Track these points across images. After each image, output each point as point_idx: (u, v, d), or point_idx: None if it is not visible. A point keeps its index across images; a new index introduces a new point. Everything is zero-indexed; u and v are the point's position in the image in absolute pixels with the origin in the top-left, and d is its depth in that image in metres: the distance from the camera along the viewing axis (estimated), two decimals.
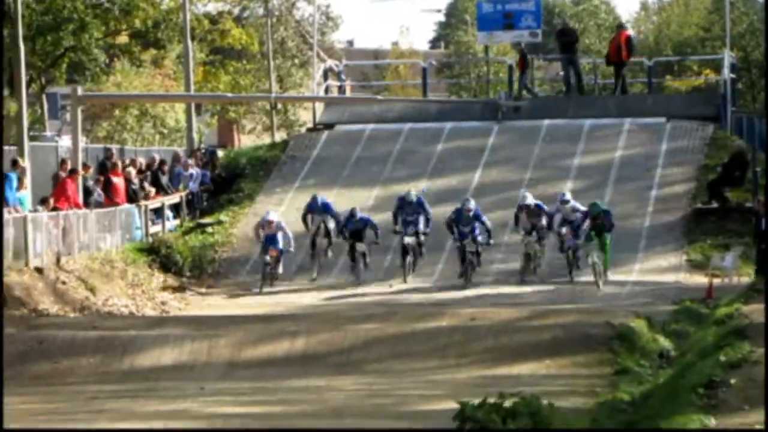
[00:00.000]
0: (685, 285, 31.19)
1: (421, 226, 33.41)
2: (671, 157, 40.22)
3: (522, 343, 23.27)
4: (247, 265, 35.56)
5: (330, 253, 34.09)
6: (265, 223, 33.68)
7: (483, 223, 33.35)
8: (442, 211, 34.10)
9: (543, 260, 33.49)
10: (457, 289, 32.58)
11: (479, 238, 32.77)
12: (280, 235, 33.59)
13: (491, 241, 33.43)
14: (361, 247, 33.32)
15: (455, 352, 22.89)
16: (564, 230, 32.20)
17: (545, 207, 33.32)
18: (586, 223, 32.28)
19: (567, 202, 32.61)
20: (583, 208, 32.78)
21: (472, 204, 33.23)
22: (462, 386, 18.44)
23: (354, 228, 33.33)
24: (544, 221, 33.16)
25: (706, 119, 42.98)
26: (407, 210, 33.53)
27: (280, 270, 33.55)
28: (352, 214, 33.65)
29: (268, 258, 33.11)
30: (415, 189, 35.32)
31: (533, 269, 33.40)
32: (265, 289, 33.05)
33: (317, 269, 34.04)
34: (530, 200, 33.38)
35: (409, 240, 33.26)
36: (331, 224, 34.23)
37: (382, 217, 35.06)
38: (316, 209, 34.41)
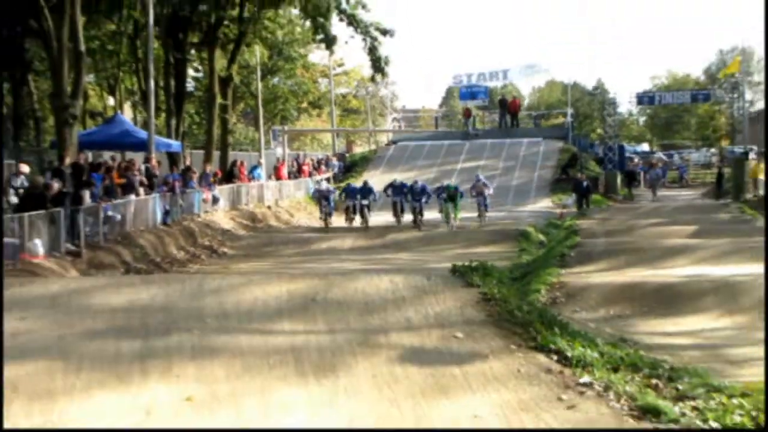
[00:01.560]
0: (551, 212, 30.94)
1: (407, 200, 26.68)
2: (545, 156, 40.00)
3: (480, 237, 23.19)
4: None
5: (359, 220, 27.02)
6: (319, 189, 29.11)
7: (427, 193, 26.20)
8: (447, 181, 32.18)
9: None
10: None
11: (423, 200, 25.88)
12: (331, 197, 27.74)
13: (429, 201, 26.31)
14: (364, 202, 26.72)
15: (450, 241, 22.86)
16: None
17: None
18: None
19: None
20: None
21: (419, 182, 26.93)
22: (453, 256, 18.32)
23: (363, 193, 27.07)
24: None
25: (560, 139, 42.77)
26: (396, 190, 26.95)
27: (332, 219, 27.46)
28: (364, 184, 27.93)
29: (323, 209, 27.50)
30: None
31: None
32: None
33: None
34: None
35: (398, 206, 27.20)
36: (363, 201, 26.88)
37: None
38: (350, 192, 27.91)
